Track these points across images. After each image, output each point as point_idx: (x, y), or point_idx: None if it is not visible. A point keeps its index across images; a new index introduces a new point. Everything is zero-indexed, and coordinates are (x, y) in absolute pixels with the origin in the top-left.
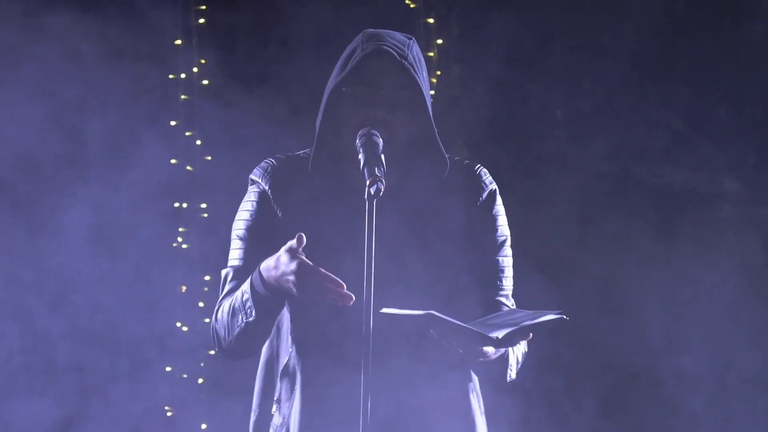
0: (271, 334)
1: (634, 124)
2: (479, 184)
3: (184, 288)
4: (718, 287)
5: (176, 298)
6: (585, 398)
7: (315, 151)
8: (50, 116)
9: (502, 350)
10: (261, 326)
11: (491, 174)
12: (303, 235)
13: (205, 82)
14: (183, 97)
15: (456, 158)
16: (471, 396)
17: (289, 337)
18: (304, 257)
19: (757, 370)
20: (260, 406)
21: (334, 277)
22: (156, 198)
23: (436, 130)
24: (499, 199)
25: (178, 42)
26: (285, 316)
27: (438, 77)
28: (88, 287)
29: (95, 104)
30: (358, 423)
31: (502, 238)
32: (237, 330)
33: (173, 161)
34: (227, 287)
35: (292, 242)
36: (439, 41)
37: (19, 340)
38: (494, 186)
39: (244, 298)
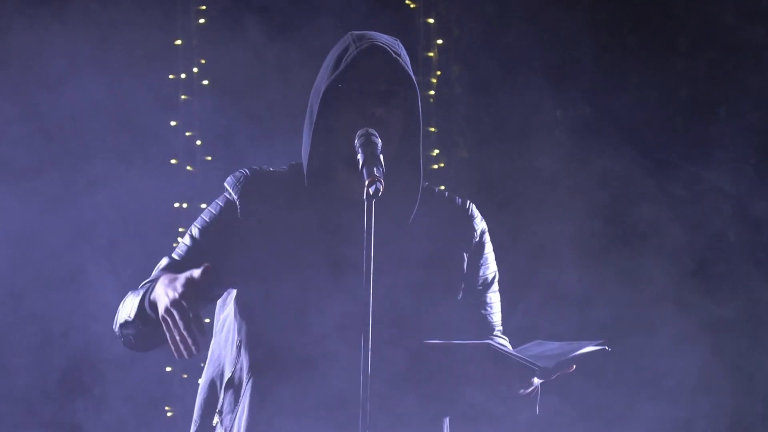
0: (219, 347)
1: (634, 124)
2: (471, 224)
3: None
4: (718, 286)
5: None
6: None
7: (310, 154)
8: (49, 116)
9: (538, 383)
10: (136, 332)
11: (491, 174)
12: (210, 267)
13: (205, 82)
14: (183, 97)
15: (447, 194)
16: None
17: (238, 350)
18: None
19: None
20: (201, 417)
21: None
22: (156, 198)
23: (422, 132)
24: (488, 237)
25: (178, 42)
26: (233, 328)
27: (438, 77)
28: (87, 287)
29: (95, 104)
30: None
31: (492, 275)
32: (120, 321)
33: (173, 161)
34: (153, 274)
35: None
36: (439, 41)
37: (19, 338)
38: (484, 224)
39: (138, 297)
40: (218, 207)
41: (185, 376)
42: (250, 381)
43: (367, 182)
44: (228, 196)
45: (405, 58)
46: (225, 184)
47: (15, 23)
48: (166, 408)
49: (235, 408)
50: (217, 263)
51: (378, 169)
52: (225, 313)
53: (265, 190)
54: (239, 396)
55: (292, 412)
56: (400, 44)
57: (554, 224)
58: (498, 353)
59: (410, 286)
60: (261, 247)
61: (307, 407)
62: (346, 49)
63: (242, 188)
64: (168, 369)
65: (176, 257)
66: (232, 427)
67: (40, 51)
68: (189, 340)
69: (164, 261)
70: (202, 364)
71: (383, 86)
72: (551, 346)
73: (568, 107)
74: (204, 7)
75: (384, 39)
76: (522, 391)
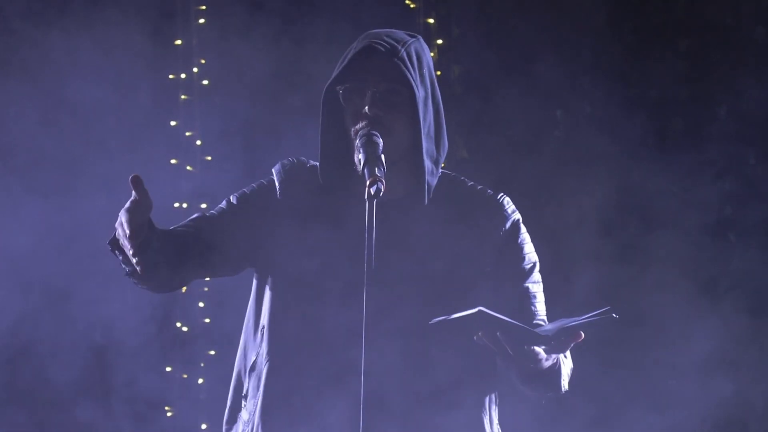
0: (245, 334)
1: (634, 124)
2: (501, 214)
3: (184, 288)
4: (718, 285)
5: (176, 298)
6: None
7: (321, 157)
8: (50, 116)
9: (554, 358)
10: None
11: (491, 174)
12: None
13: (205, 82)
14: (183, 97)
15: (479, 187)
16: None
17: (260, 335)
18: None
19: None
20: (232, 399)
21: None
22: (156, 198)
23: (423, 132)
24: (523, 228)
25: (178, 42)
26: (253, 313)
27: (438, 77)
28: (87, 287)
29: (95, 104)
30: (320, 424)
31: (530, 265)
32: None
33: (173, 161)
34: (184, 222)
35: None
36: (439, 41)
37: (12, 339)
38: (517, 215)
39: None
40: (261, 183)
41: (185, 376)
42: (267, 364)
43: (368, 182)
44: (272, 177)
45: (407, 57)
46: (272, 169)
47: (16, 24)
48: (166, 408)
49: (257, 393)
50: (246, 232)
51: (379, 169)
52: (250, 302)
53: (304, 181)
54: (260, 382)
55: (305, 392)
56: (415, 42)
57: (555, 225)
58: (492, 317)
59: (425, 275)
60: (289, 231)
61: (319, 388)
62: (348, 51)
63: (285, 174)
64: (168, 369)
65: (207, 214)
66: (255, 410)
67: (41, 51)
68: (129, 244)
69: (197, 214)
70: (203, 364)
71: (379, 87)
72: (562, 321)
73: (568, 107)
74: (204, 7)
75: (389, 39)
76: (533, 365)
